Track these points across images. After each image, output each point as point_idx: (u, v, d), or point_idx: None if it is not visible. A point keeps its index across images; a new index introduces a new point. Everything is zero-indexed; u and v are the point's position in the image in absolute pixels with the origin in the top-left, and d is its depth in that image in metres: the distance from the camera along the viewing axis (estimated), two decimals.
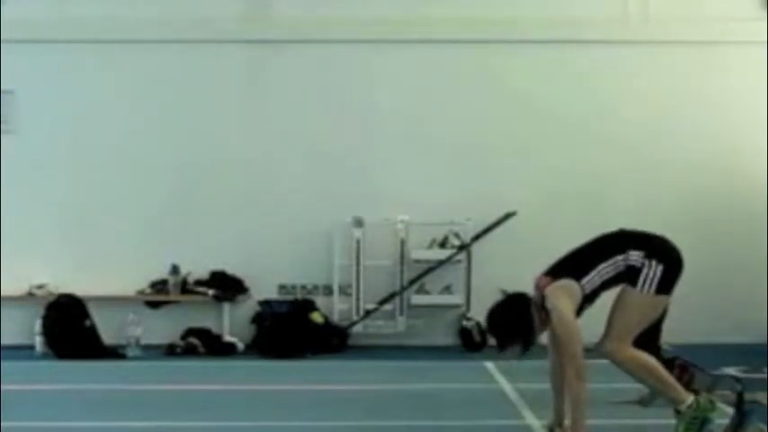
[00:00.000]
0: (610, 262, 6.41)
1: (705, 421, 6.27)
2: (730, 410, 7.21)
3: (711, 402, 6.44)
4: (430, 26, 11.87)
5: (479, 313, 11.47)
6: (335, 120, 11.87)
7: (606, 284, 6.48)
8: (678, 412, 6.35)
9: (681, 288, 12.03)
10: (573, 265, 6.53)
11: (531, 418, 7.40)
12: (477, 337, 11.41)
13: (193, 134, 11.96)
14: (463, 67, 11.95)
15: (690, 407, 6.33)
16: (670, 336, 11.51)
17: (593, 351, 6.83)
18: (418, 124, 11.85)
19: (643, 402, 7.77)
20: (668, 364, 6.74)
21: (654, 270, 6.36)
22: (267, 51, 12.01)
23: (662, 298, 6.46)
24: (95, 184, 11.94)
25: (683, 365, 6.72)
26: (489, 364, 9.90)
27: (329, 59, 11.93)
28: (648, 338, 6.64)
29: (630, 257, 6.40)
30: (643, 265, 6.37)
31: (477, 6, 11.86)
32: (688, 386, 6.68)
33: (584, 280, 6.45)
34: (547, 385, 8.28)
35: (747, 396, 7.74)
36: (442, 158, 11.81)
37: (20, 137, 11.82)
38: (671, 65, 11.96)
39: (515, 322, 6.39)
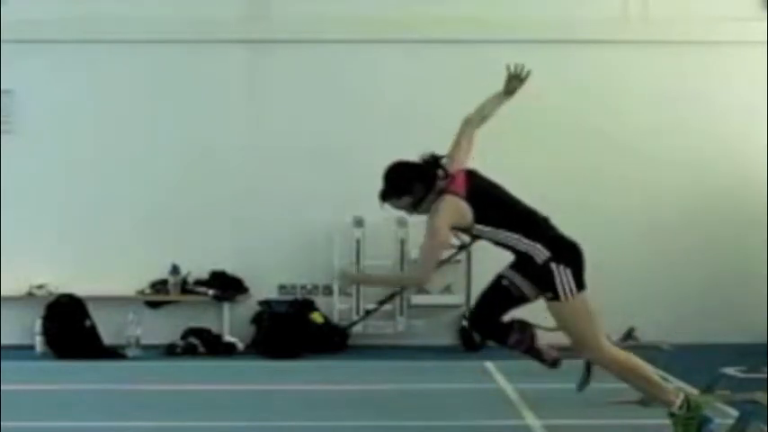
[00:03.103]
0: (515, 236, 6.45)
1: (704, 421, 6.25)
2: (730, 410, 7.23)
3: (697, 403, 6.41)
4: (430, 26, 11.87)
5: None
6: (335, 120, 11.88)
7: (494, 243, 6.54)
8: (672, 415, 6.34)
9: (681, 288, 12.14)
10: (494, 208, 6.56)
11: (531, 418, 7.40)
12: (478, 338, 11.41)
13: (193, 134, 11.96)
14: (463, 67, 11.94)
15: (681, 407, 6.32)
16: (670, 336, 11.59)
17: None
18: (418, 124, 11.83)
19: (643, 402, 7.76)
20: (508, 327, 6.76)
21: (565, 275, 6.39)
22: (267, 51, 12.01)
23: (583, 293, 6.50)
24: (95, 183, 11.94)
25: (521, 327, 6.73)
26: (489, 364, 9.90)
27: (329, 59, 11.93)
28: (490, 312, 6.65)
29: (534, 249, 6.42)
30: (551, 271, 6.37)
31: (477, 6, 11.87)
32: (533, 343, 6.77)
33: (482, 227, 6.49)
34: (547, 385, 8.29)
35: (747, 396, 7.77)
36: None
37: (20, 137, 11.83)
38: (671, 65, 11.97)
39: (410, 180, 6.47)
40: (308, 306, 11.76)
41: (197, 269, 11.85)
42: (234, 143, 11.96)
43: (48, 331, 11.19)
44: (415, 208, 6.54)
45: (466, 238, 11.64)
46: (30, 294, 11.69)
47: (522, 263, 6.48)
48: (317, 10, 11.86)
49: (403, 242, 11.55)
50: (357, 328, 11.70)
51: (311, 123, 11.90)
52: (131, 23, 11.81)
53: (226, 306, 11.73)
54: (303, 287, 12.00)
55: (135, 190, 11.94)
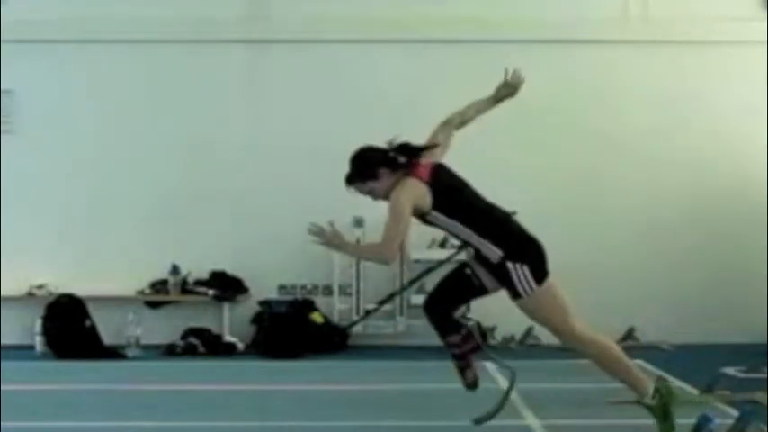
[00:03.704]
0: (467, 231, 6.49)
1: (703, 421, 6.25)
2: (730, 410, 7.23)
3: (668, 387, 6.52)
4: (430, 26, 11.87)
5: (479, 313, 11.54)
6: (335, 120, 11.87)
7: (450, 234, 6.62)
8: (648, 406, 6.46)
9: (681, 288, 12.15)
10: (453, 199, 6.59)
11: (531, 418, 7.40)
12: (477, 337, 11.39)
13: (193, 134, 11.96)
14: (463, 67, 11.93)
15: (654, 396, 6.46)
16: (670, 336, 11.60)
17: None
18: (418, 124, 11.77)
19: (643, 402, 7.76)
20: (457, 326, 6.74)
21: (522, 272, 6.44)
22: (267, 51, 12.02)
23: (547, 284, 6.53)
24: (95, 183, 11.94)
25: (468, 335, 6.73)
26: (489, 364, 9.90)
27: (329, 59, 11.93)
28: (446, 298, 6.66)
29: (487, 248, 6.45)
30: (507, 269, 6.41)
31: (477, 6, 11.87)
32: (468, 354, 6.74)
33: (438, 214, 6.55)
34: (547, 385, 8.30)
35: (747, 396, 7.77)
36: (442, 158, 11.78)
37: (20, 137, 11.83)
38: (671, 65, 11.97)
39: (376, 165, 6.62)
40: (308, 306, 11.77)
41: (197, 269, 11.86)
42: (234, 143, 11.96)
43: (48, 331, 11.19)
44: (379, 193, 6.61)
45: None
46: (30, 294, 11.69)
47: (482, 257, 6.50)
48: (317, 10, 11.86)
49: (402, 242, 11.54)
50: (357, 328, 11.70)
51: (311, 123, 11.90)
52: (131, 23, 11.81)
53: (226, 306, 11.73)
54: (303, 287, 12.00)
55: (135, 190, 11.94)
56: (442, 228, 6.58)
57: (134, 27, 11.79)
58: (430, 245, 11.72)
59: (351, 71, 11.97)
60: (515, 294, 6.48)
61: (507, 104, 11.93)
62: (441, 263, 11.57)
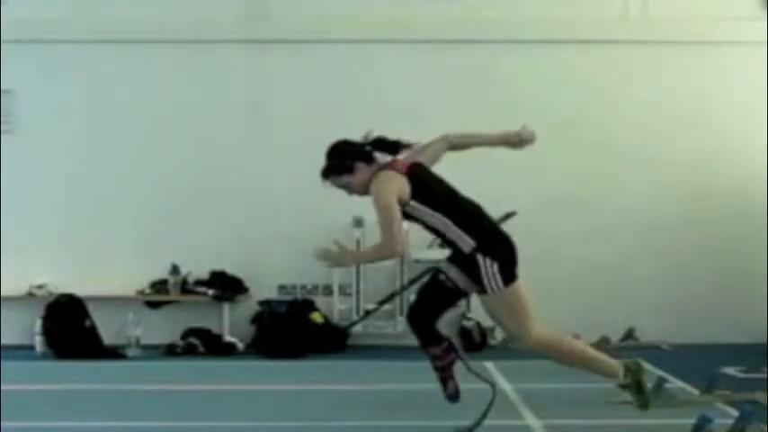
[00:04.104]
0: (446, 221, 6.47)
1: (703, 420, 6.26)
2: (730, 410, 7.24)
3: (636, 363, 6.66)
4: (430, 26, 11.87)
5: (479, 313, 11.53)
6: (335, 119, 11.82)
7: (425, 227, 6.56)
8: (623, 386, 6.58)
9: (681, 288, 12.15)
10: (431, 190, 6.57)
11: (530, 418, 7.40)
12: (477, 338, 11.42)
13: (193, 134, 11.96)
14: (463, 66, 11.95)
15: (626, 376, 6.54)
16: (671, 336, 11.59)
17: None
18: (418, 124, 11.77)
19: None
20: (439, 338, 6.73)
21: (491, 268, 6.41)
22: (267, 51, 12.01)
23: (514, 286, 6.49)
24: (95, 183, 11.94)
25: (449, 347, 6.72)
26: (489, 365, 9.89)
27: (329, 59, 11.93)
28: (427, 309, 6.64)
29: (462, 239, 6.43)
30: (477, 262, 6.38)
31: (476, 6, 11.87)
32: (449, 366, 6.72)
33: (417, 204, 6.53)
34: (547, 385, 8.31)
35: (747, 396, 7.77)
36: (442, 159, 11.78)
37: (20, 137, 11.83)
38: (671, 65, 11.97)
39: (352, 159, 6.64)
40: (308, 306, 11.77)
41: (197, 269, 11.86)
42: (234, 143, 11.96)
43: (48, 331, 11.19)
44: (355, 187, 6.63)
45: None
46: (30, 294, 11.69)
47: (454, 254, 6.50)
48: (317, 10, 11.86)
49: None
50: (357, 328, 11.70)
51: (311, 123, 11.88)
52: (131, 24, 11.81)
53: (226, 306, 11.73)
54: (303, 287, 12.00)
55: (135, 190, 11.94)
56: (419, 220, 6.54)
57: (134, 27, 11.79)
58: (430, 245, 11.69)
59: (351, 71, 11.97)
60: (481, 289, 6.45)
61: (507, 104, 12.03)
62: (441, 263, 11.58)
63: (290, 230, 11.86)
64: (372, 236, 11.47)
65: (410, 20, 11.85)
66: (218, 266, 11.87)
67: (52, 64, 11.90)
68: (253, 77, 12.02)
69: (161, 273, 11.78)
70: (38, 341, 11.32)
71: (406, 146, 6.76)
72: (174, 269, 11.72)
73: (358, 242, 11.53)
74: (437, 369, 6.76)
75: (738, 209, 11.83)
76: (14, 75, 11.69)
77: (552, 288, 11.67)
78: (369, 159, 6.62)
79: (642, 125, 11.91)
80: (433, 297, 6.68)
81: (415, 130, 12.29)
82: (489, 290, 6.43)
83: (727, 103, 11.89)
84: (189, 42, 11.91)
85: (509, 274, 6.47)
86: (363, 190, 6.62)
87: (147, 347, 11.25)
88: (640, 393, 6.70)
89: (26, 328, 11.51)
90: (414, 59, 11.95)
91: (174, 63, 12.00)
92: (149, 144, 11.95)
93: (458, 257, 6.53)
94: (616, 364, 6.74)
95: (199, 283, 11.83)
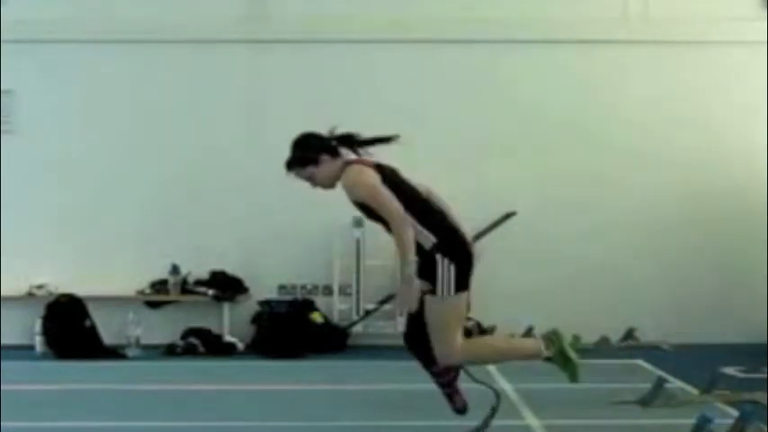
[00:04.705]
0: (410, 218, 6.35)
1: (703, 421, 6.26)
2: (730, 410, 7.24)
3: (555, 332, 6.59)
4: (430, 26, 11.87)
5: (479, 313, 11.53)
6: (335, 120, 11.79)
7: (383, 222, 6.44)
8: (548, 359, 6.50)
9: (681, 288, 12.14)
10: (398, 187, 6.48)
11: (530, 418, 7.40)
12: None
13: (193, 134, 11.96)
14: (463, 67, 11.95)
15: (549, 348, 6.47)
16: (670, 336, 11.59)
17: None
18: (418, 124, 11.82)
19: (643, 402, 7.78)
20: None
21: (448, 270, 6.30)
22: (267, 51, 12.01)
23: (463, 295, 6.38)
24: (95, 183, 11.94)
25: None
26: (490, 367, 9.89)
27: (329, 59, 11.93)
28: (417, 331, 6.59)
29: (424, 236, 6.34)
30: (435, 261, 6.29)
31: (476, 6, 11.87)
32: (453, 381, 6.68)
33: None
34: (546, 385, 8.30)
35: (747, 396, 7.78)
36: (442, 158, 11.80)
37: (20, 137, 11.83)
38: (670, 65, 11.97)
39: (316, 151, 6.67)
40: (308, 306, 11.77)
41: (197, 269, 11.86)
42: (233, 143, 11.96)
43: (48, 331, 11.20)
44: (318, 179, 6.64)
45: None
46: (30, 294, 11.69)
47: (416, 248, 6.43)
48: (317, 10, 11.86)
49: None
50: (357, 328, 11.70)
51: (311, 123, 11.80)
52: (131, 24, 11.81)
53: (226, 306, 11.73)
54: (303, 287, 12.00)
55: (135, 190, 11.93)
56: (379, 216, 6.48)
57: (134, 27, 11.79)
58: None
59: (350, 71, 11.97)
60: (432, 290, 6.33)
61: (507, 104, 12.04)
62: None
63: (290, 230, 11.87)
64: (372, 236, 11.53)
65: (409, 20, 11.85)
66: (218, 266, 11.87)
67: (52, 64, 11.90)
68: (253, 77, 12.02)
69: (161, 273, 11.78)
70: (38, 341, 11.32)
71: (372, 142, 6.71)
72: (174, 269, 11.72)
73: (358, 242, 11.54)
74: (441, 385, 6.72)
75: (738, 209, 11.83)
76: (14, 75, 11.69)
77: (552, 288, 11.70)
78: (334, 153, 6.63)
79: (642, 125, 11.91)
80: (422, 318, 6.60)
81: (414, 129, 12.36)
82: (439, 292, 6.31)
83: (726, 102, 11.89)
84: (189, 42, 11.91)
85: (462, 281, 6.35)
86: (328, 183, 6.61)
87: (147, 347, 11.25)
88: (567, 363, 6.54)
89: (26, 328, 11.51)
90: (413, 59, 11.95)
91: (174, 63, 12.00)
92: (149, 144, 11.95)
93: (418, 255, 6.46)
94: (536, 342, 6.63)
95: (199, 283, 11.83)
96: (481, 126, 12.01)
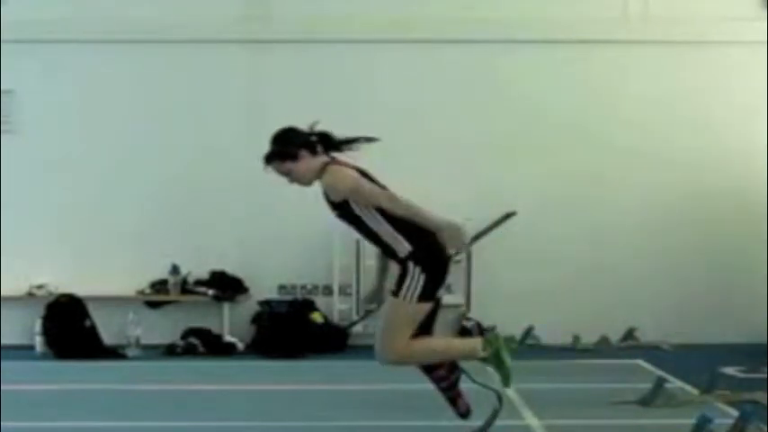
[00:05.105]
0: (386, 224, 6.36)
1: (704, 421, 6.27)
2: (730, 410, 7.24)
3: (495, 335, 6.65)
4: (430, 26, 11.87)
5: (479, 313, 11.54)
6: (335, 120, 11.79)
7: (362, 229, 6.47)
8: (483, 359, 6.50)
9: (681, 288, 12.15)
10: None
11: (530, 418, 7.40)
12: (477, 338, 11.40)
13: (193, 134, 11.95)
14: (463, 67, 11.95)
15: (485, 349, 6.47)
16: (671, 336, 11.59)
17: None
18: (418, 124, 11.86)
19: (643, 402, 7.78)
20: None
21: (417, 279, 6.28)
22: (267, 51, 12.01)
23: (424, 305, 6.35)
24: (95, 183, 11.94)
25: (452, 365, 6.69)
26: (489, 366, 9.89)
27: (329, 59, 11.93)
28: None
29: (399, 243, 6.34)
30: (407, 268, 6.29)
31: (476, 6, 11.87)
32: (456, 385, 6.70)
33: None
34: (546, 385, 8.32)
35: (747, 396, 7.78)
36: (442, 159, 11.81)
37: (20, 137, 11.83)
38: (671, 65, 11.96)
39: (296, 147, 6.61)
40: (308, 306, 11.76)
41: (197, 269, 11.86)
42: (233, 143, 11.94)
43: (48, 331, 11.20)
44: (296, 175, 6.61)
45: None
46: (30, 294, 11.69)
47: (388, 257, 6.45)
48: (317, 10, 11.86)
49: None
50: (357, 328, 11.68)
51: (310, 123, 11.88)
52: (131, 23, 11.80)
53: (226, 306, 11.73)
54: (303, 287, 12.00)
55: (135, 190, 11.93)
56: (356, 218, 6.43)
57: (134, 27, 11.79)
58: None
59: (350, 71, 11.97)
60: (395, 291, 6.33)
61: (506, 104, 12.04)
62: None
63: (290, 230, 11.86)
64: None
65: (409, 20, 11.85)
66: (218, 266, 11.87)
67: (52, 64, 11.89)
68: (252, 77, 12.02)
69: (161, 273, 11.78)
70: (38, 341, 11.32)
71: (350, 142, 6.70)
72: (174, 269, 11.72)
73: (358, 242, 11.52)
74: (443, 390, 6.71)
75: (738, 209, 11.83)
76: (14, 75, 11.69)
77: (552, 288, 11.70)
78: (313, 149, 6.61)
79: (642, 125, 11.91)
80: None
81: (414, 129, 12.40)
82: (402, 296, 6.30)
83: (726, 102, 11.89)
84: (189, 42, 11.90)
85: (428, 293, 6.33)
86: (305, 180, 6.60)
87: (147, 347, 11.25)
88: (501, 366, 6.53)
89: (26, 328, 11.51)
90: (413, 59, 11.94)
91: (174, 63, 11.99)
92: (149, 144, 11.95)
93: (393, 261, 6.46)
94: (475, 342, 6.65)
95: (199, 283, 11.83)
96: (481, 126, 12.01)
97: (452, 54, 11.92)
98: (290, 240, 11.86)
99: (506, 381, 6.57)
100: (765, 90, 11.57)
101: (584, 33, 11.88)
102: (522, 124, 11.96)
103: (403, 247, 6.32)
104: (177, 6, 11.87)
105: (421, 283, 6.28)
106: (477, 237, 11.63)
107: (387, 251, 6.47)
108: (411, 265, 6.29)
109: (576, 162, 11.91)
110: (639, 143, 11.89)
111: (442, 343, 6.70)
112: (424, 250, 6.32)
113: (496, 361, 6.53)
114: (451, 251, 6.43)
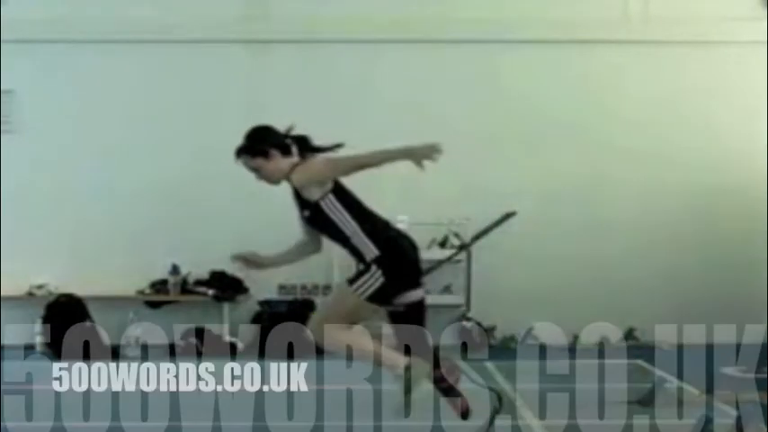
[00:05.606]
0: (354, 225, 6.45)
1: (704, 421, 6.27)
2: (730, 410, 7.23)
3: (422, 366, 6.52)
4: (430, 26, 11.87)
5: (479, 313, 11.53)
6: (335, 119, 11.84)
7: (329, 232, 6.60)
8: (396, 375, 6.55)
9: (681, 288, 12.14)
10: (347, 193, 6.62)
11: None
12: (477, 338, 11.41)
13: (193, 134, 11.95)
14: (463, 66, 11.96)
15: (406, 371, 6.48)
16: (670, 336, 11.57)
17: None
18: (418, 124, 11.84)
19: (643, 402, 7.77)
20: (437, 362, 6.71)
21: (375, 279, 6.35)
22: (266, 51, 12.01)
23: (369, 306, 6.43)
24: (95, 183, 11.94)
25: (451, 367, 6.69)
26: (489, 364, 9.89)
27: (329, 59, 11.93)
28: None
29: (366, 246, 6.40)
30: (369, 269, 6.35)
31: (477, 6, 11.87)
32: (455, 385, 6.69)
33: (334, 200, 6.63)
34: (546, 385, 8.30)
35: (747, 396, 7.77)
36: (442, 158, 11.75)
37: (20, 137, 11.83)
38: (671, 65, 11.97)
39: (269, 145, 6.83)
40: (308, 306, 11.75)
41: (197, 269, 11.85)
42: (233, 143, 11.85)
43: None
44: (265, 173, 6.80)
45: (466, 239, 11.65)
46: (30, 294, 11.69)
47: (356, 255, 6.47)
48: (317, 10, 11.86)
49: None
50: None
51: (310, 123, 11.80)
52: (131, 24, 11.80)
53: (226, 306, 11.72)
54: (303, 287, 11.99)
55: (135, 190, 11.93)
56: (326, 219, 6.51)
57: (134, 27, 11.79)
58: (430, 245, 11.72)
59: (351, 71, 11.97)
60: (351, 281, 6.42)
61: (506, 104, 12.03)
62: (440, 263, 11.58)
63: (290, 230, 11.82)
64: None
65: (410, 20, 11.85)
66: (218, 266, 11.86)
67: (52, 64, 11.89)
68: (252, 77, 12.01)
69: (161, 273, 11.77)
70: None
71: (326, 149, 6.73)
72: (174, 269, 11.72)
73: None
74: (443, 391, 6.71)
75: (738, 208, 11.83)
76: (14, 75, 11.69)
77: (552, 288, 11.70)
78: (286, 150, 6.66)
79: (642, 125, 11.91)
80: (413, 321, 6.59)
81: (414, 129, 12.34)
82: (354, 288, 6.38)
83: (726, 103, 11.90)
84: (189, 42, 11.90)
85: (381, 296, 6.39)
86: (273, 178, 6.69)
87: (147, 347, 11.24)
88: (406, 394, 6.54)
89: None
90: (414, 59, 11.95)
91: (174, 63, 11.99)
92: (149, 144, 11.94)
93: (358, 262, 6.47)
94: (403, 360, 6.63)
95: (199, 283, 11.83)
96: (481, 126, 12.01)
97: (452, 54, 11.92)
98: (290, 241, 11.82)
99: (399, 408, 6.51)
100: (765, 90, 11.57)
101: (584, 33, 11.89)
102: (523, 124, 11.96)
103: (370, 250, 6.34)
104: (177, 6, 11.87)
105: (377, 285, 6.33)
106: (477, 237, 11.65)
107: (355, 254, 6.49)
108: (374, 267, 6.33)
109: (575, 162, 11.92)
110: (639, 143, 11.89)
111: (376, 346, 6.69)
112: (391, 258, 6.34)
113: (405, 388, 6.51)
114: (430, 160, 6.45)
